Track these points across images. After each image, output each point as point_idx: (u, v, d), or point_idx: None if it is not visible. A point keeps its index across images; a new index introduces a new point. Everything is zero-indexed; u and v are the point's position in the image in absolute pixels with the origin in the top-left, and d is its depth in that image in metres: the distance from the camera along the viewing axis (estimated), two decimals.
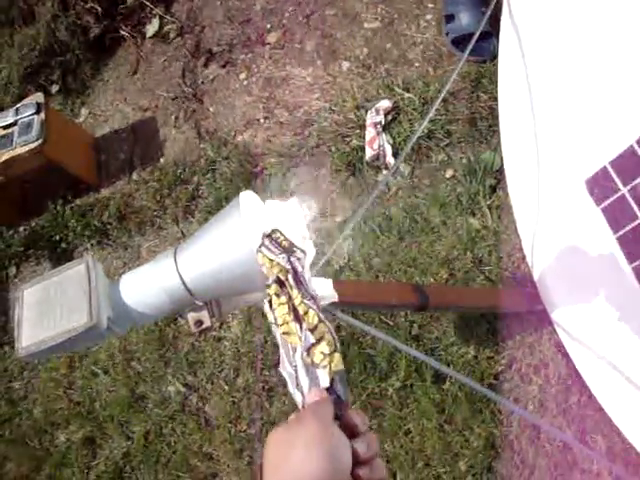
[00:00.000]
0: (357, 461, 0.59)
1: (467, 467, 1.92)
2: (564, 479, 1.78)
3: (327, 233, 2.27)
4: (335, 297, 1.02)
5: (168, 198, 2.84)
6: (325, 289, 1.24)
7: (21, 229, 3.22)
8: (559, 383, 1.90)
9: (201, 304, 1.18)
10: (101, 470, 2.50)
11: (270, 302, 0.85)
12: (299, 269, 0.88)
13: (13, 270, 3.16)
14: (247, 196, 1.11)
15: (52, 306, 1.15)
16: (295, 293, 0.81)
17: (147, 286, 1.14)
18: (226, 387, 2.36)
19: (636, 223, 1.57)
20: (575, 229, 1.78)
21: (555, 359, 1.94)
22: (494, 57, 2.34)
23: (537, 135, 1.90)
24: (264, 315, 0.85)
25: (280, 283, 0.87)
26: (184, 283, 1.11)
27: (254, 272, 1.02)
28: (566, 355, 1.86)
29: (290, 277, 0.86)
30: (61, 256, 3.01)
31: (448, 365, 2.05)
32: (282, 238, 0.96)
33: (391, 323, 2.14)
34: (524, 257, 2.03)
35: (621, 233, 1.61)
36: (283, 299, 0.82)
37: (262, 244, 0.96)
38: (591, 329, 1.71)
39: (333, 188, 2.49)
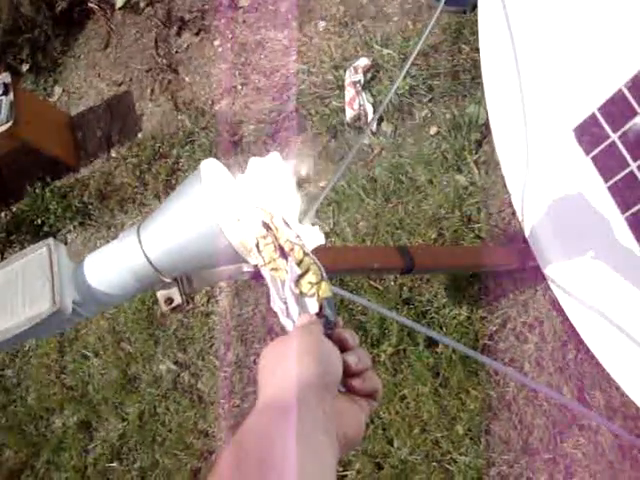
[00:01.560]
0: (350, 373, 0.62)
1: (465, 430, 1.88)
2: (563, 437, 1.75)
3: (310, 199, 2.20)
4: (322, 240, 0.96)
5: (148, 173, 2.77)
6: (311, 234, 1.16)
7: (2, 215, 3.15)
8: (555, 340, 1.86)
9: (170, 281, 1.12)
10: (98, 452, 2.48)
11: (257, 246, 0.84)
12: (283, 214, 0.86)
13: None
14: (209, 164, 1.04)
15: (14, 293, 1.10)
16: (280, 234, 0.81)
17: (112, 266, 1.08)
18: (217, 362, 2.32)
19: (627, 171, 1.50)
20: (565, 180, 1.72)
21: (550, 316, 1.90)
22: (474, 7, 2.25)
23: (522, 85, 1.83)
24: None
25: (265, 227, 0.85)
26: (149, 260, 1.05)
27: (221, 245, 0.96)
28: (561, 311, 1.81)
29: (275, 220, 0.84)
30: (44, 239, 2.93)
31: (441, 327, 2.00)
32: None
33: (380, 287, 2.09)
34: (514, 212, 1.98)
35: (612, 182, 1.55)
36: (269, 239, 0.82)
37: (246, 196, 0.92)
38: (586, 283, 1.66)
39: (315, 152, 2.41)
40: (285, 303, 0.73)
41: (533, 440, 1.79)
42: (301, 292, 0.72)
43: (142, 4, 3.22)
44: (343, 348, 0.65)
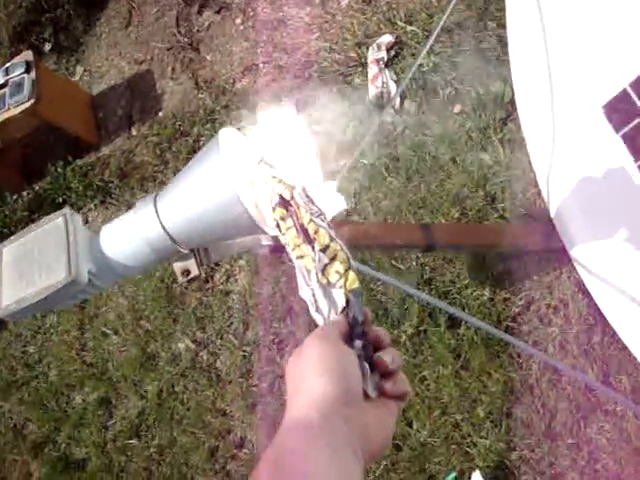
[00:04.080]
0: (384, 372, 0.62)
1: (485, 413, 1.85)
2: (587, 422, 1.71)
3: (332, 176, 2.17)
4: (344, 204, 0.92)
5: (168, 152, 2.75)
6: (331, 197, 1.13)
7: (25, 194, 3.17)
8: (580, 323, 1.81)
9: (187, 252, 1.10)
10: (118, 429, 2.49)
11: (278, 227, 0.80)
12: (305, 184, 0.81)
13: None
14: (227, 133, 1.01)
15: (31, 263, 1.09)
16: (303, 212, 0.76)
17: (128, 236, 1.06)
18: (236, 341, 2.31)
19: None
20: (593, 159, 1.66)
21: (575, 298, 1.85)
22: None
23: (550, 62, 1.77)
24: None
25: (285, 204, 0.80)
26: (166, 231, 1.03)
27: (240, 214, 0.94)
28: (587, 293, 1.76)
29: (296, 193, 0.79)
30: None
31: (463, 309, 1.96)
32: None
33: (402, 267, 2.06)
34: (539, 192, 1.93)
35: None
36: (290, 222, 0.78)
37: (261, 160, 0.88)
38: (613, 265, 1.62)
39: (337, 131, 2.37)
40: (313, 294, 0.70)
41: (556, 424, 1.75)
42: (328, 282, 0.69)
43: None
44: (377, 346, 0.65)
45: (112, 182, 2.87)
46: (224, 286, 2.39)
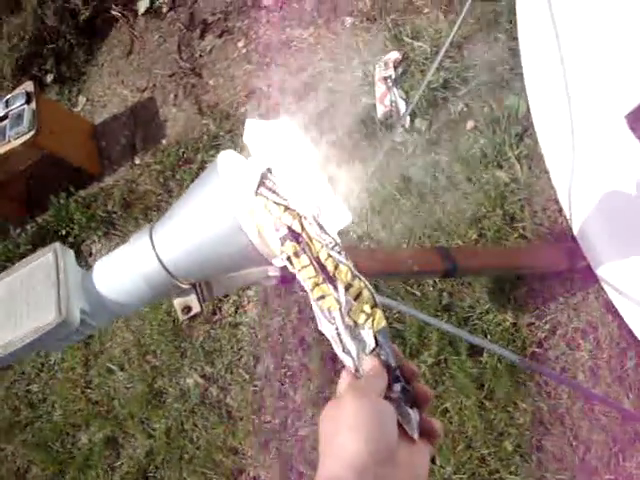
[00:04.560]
0: (425, 406, 0.64)
1: (514, 447, 1.73)
2: (625, 455, 1.58)
3: (341, 199, 2.08)
4: (350, 217, 0.83)
5: (172, 180, 2.68)
6: (337, 211, 1.02)
7: (28, 227, 3.10)
8: (611, 347, 1.70)
9: (187, 287, 1.01)
10: (125, 471, 2.38)
11: (290, 262, 0.72)
12: (314, 210, 0.74)
13: None
14: (227, 156, 0.92)
15: (19, 303, 1.00)
16: (318, 246, 0.71)
17: (123, 272, 0.97)
18: (246, 376, 2.21)
19: None
20: (616, 172, 1.58)
21: (604, 320, 1.74)
22: None
23: (566, 72, 1.69)
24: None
25: (295, 236, 0.72)
26: (163, 265, 0.94)
27: (243, 244, 0.85)
28: (617, 314, 1.66)
29: (307, 224, 0.72)
30: None
31: (485, 335, 1.86)
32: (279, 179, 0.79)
33: (418, 293, 1.95)
34: (561, 209, 1.84)
35: None
36: (304, 260, 0.71)
37: (260, 184, 0.78)
38: None
39: (346, 152, 2.29)
40: (338, 334, 0.66)
41: (591, 458, 1.63)
42: (355, 323, 0.65)
43: (164, 9, 3.16)
44: (411, 381, 0.65)
45: (115, 213, 2.80)
46: (233, 318, 2.29)
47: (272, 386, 2.14)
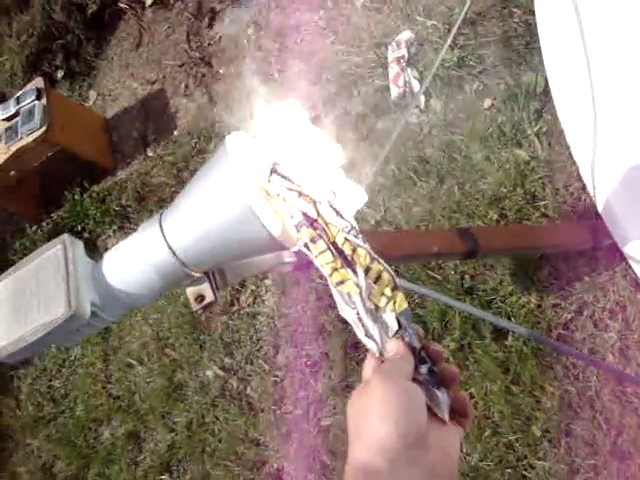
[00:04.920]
0: (452, 386, 0.62)
1: (542, 432, 1.68)
2: None
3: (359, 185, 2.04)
4: (365, 197, 0.80)
5: (185, 171, 2.66)
6: (352, 192, 0.98)
7: (44, 223, 3.09)
8: None
9: (199, 276, 0.97)
10: (148, 465, 2.37)
11: (308, 249, 0.70)
12: (329, 195, 0.71)
13: None
14: (236, 138, 0.88)
15: (28, 298, 0.98)
16: (334, 230, 0.69)
17: (133, 262, 0.94)
18: (266, 366, 2.18)
19: None
20: None
21: (633, 299, 1.68)
22: None
23: (586, 45, 1.63)
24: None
25: (310, 222, 0.70)
26: (174, 253, 0.90)
27: (255, 229, 0.81)
28: None
29: (321, 209, 0.70)
30: (85, 246, 2.86)
31: (509, 318, 1.81)
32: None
33: (439, 277, 1.91)
34: (584, 186, 1.78)
35: None
36: (321, 245, 0.69)
37: (272, 170, 0.76)
38: None
39: (361, 136, 2.25)
40: (359, 318, 0.65)
41: (623, 442, 1.58)
42: (377, 306, 0.65)
43: None
44: (437, 362, 0.63)
45: (130, 206, 2.78)
46: (251, 308, 2.26)
47: (292, 376, 2.11)
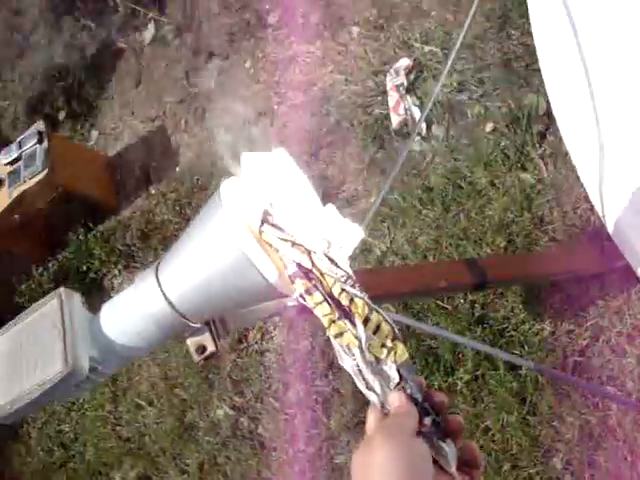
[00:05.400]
0: (457, 436, 0.60)
1: (563, 464, 1.63)
2: None
3: (362, 216, 2.01)
4: (362, 234, 0.77)
5: (188, 207, 2.64)
6: (348, 230, 0.95)
7: (49, 265, 3.08)
8: None
9: (200, 326, 0.94)
10: None
11: (304, 300, 0.68)
12: (323, 244, 0.70)
13: None
14: (231, 184, 0.86)
15: (25, 354, 0.95)
16: (330, 280, 0.67)
17: (131, 315, 0.91)
18: (276, 404, 2.13)
19: None
20: None
21: None
22: None
23: (586, 62, 1.60)
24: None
25: (305, 272, 0.68)
26: (171, 305, 0.88)
27: (253, 278, 0.78)
28: None
29: (316, 258, 0.68)
30: (91, 287, 2.85)
31: (522, 346, 1.76)
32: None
33: (449, 307, 1.87)
34: (592, 207, 1.74)
35: None
36: (318, 296, 0.67)
37: (263, 221, 0.74)
38: None
39: (362, 166, 2.23)
40: (359, 370, 0.64)
41: None
42: (377, 358, 0.63)
43: (170, 36, 3.15)
44: (441, 411, 0.62)
45: (134, 245, 2.77)
46: (259, 345, 2.23)
47: (304, 413, 2.06)
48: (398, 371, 0.62)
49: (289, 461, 2.05)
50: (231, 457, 2.18)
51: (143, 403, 2.47)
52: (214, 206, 0.83)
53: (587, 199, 1.74)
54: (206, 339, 0.97)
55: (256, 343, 2.24)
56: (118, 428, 2.55)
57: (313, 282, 0.68)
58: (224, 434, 2.22)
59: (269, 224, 0.73)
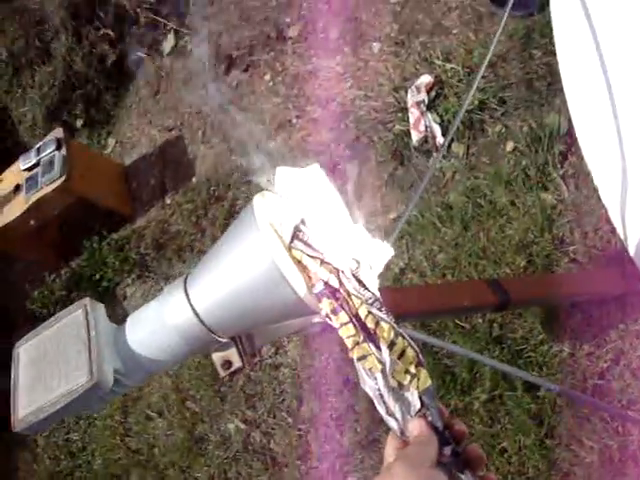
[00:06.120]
0: (480, 462, 0.60)
1: None
2: None
3: (380, 232, 2.00)
4: (392, 252, 0.77)
5: (204, 218, 2.64)
6: (378, 248, 0.94)
7: (63, 272, 3.09)
8: None
9: (226, 341, 0.93)
10: None
11: (329, 319, 0.67)
12: (352, 264, 0.69)
13: None
14: (263, 199, 0.85)
15: (49, 364, 0.94)
16: (357, 302, 0.66)
17: (157, 327, 0.91)
18: (290, 419, 2.12)
19: None
20: None
21: None
22: (542, 7, 2.05)
23: (610, 84, 1.60)
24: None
25: (332, 292, 0.67)
26: (200, 319, 0.87)
27: (283, 291, 0.77)
28: None
29: (344, 278, 0.67)
30: (103, 295, 2.85)
31: (540, 368, 1.74)
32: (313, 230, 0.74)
33: (467, 326, 1.85)
34: (614, 229, 1.72)
35: None
36: (343, 317, 0.66)
37: (293, 237, 0.72)
38: None
39: (381, 182, 2.22)
40: (381, 395, 0.63)
41: None
42: (400, 384, 0.62)
43: (189, 47, 3.16)
44: (460, 440, 0.61)
45: (148, 254, 2.77)
46: (273, 359, 2.22)
47: (317, 429, 2.04)
48: (420, 398, 0.62)
49: (301, 478, 2.03)
50: (242, 472, 2.16)
51: (153, 414, 2.46)
52: (246, 220, 0.83)
53: (608, 220, 1.73)
54: (232, 354, 0.96)
55: (270, 357, 2.23)
56: (127, 439, 2.53)
57: (339, 302, 0.67)
58: (235, 448, 2.20)
59: (299, 240, 0.73)
